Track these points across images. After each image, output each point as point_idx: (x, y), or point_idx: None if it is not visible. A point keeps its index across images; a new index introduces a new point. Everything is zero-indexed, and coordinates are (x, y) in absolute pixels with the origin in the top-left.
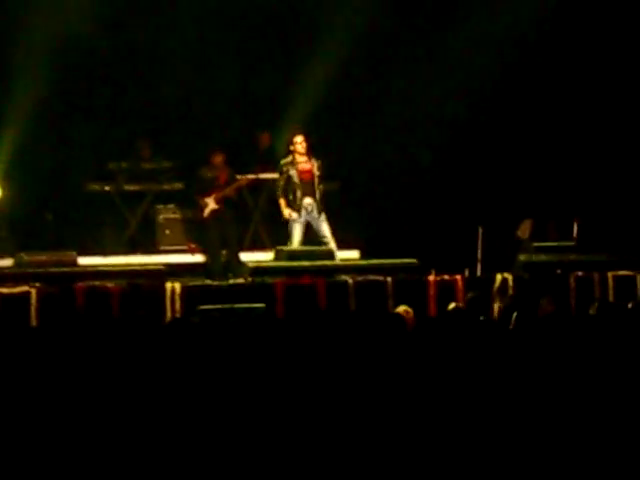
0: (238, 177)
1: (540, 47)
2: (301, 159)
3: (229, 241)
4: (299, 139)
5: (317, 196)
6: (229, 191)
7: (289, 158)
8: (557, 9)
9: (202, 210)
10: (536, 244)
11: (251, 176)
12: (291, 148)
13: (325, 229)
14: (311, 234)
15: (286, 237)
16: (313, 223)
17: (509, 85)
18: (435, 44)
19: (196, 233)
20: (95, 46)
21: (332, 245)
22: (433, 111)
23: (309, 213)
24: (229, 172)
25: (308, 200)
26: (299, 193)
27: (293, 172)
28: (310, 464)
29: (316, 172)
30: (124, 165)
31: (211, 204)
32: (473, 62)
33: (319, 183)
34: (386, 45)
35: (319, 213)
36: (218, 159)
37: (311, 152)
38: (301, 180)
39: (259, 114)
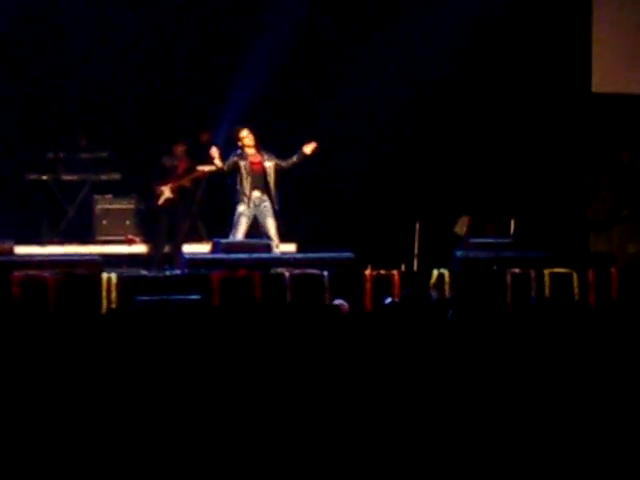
0: (197, 168)
1: (481, 47)
2: (250, 151)
3: (176, 232)
4: (244, 132)
5: (272, 192)
6: (185, 181)
7: (238, 152)
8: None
9: (157, 198)
10: (473, 240)
11: (208, 168)
12: (239, 144)
13: (271, 226)
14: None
15: (223, 230)
16: (259, 218)
17: (448, 82)
18: (377, 41)
19: (144, 222)
20: (33, 33)
21: (275, 243)
22: (371, 106)
23: (256, 206)
24: (189, 163)
25: (257, 193)
26: (247, 185)
27: (242, 163)
28: (245, 456)
29: (270, 167)
30: (62, 155)
31: (166, 192)
32: (413, 58)
33: (275, 181)
34: (326, 43)
35: (270, 208)
36: (180, 149)
37: (260, 146)
38: (251, 172)
39: (200, 108)
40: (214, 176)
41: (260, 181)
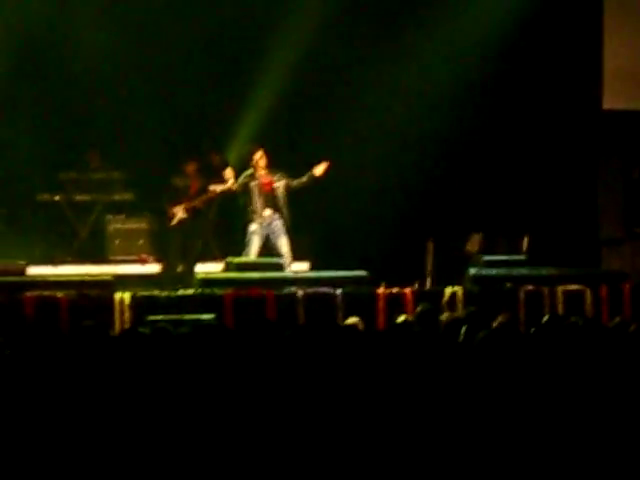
0: (210, 188)
1: (493, 66)
2: (262, 172)
3: (189, 253)
4: (259, 154)
5: (283, 211)
6: (198, 202)
7: (249, 171)
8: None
9: (170, 219)
10: (486, 258)
11: (220, 188)
12: (252, 164)
13: (283, 245)
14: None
15: (236, 249)
16: (272, 237)
17: (461, 100)
18: (387, 67)
19: (157, 241)
20: (45, 54)
21: (287, 262)
22: (385, 126)
23: (268, 225)
24: (201, 182)
25: (268, 212)
26: (259, 204)
27: (253, 184)
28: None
29: (280, 188)
30: (74, 175)
31: (179, 213)
32: (426, 77)
33: (285, 200)
34: (336, 66)
35: (282, 226)
36: (191, 168)
37: (270, 166)
38: (262, 192)
39: (211, 128)
40: (226, 196)
41: (271, 200)
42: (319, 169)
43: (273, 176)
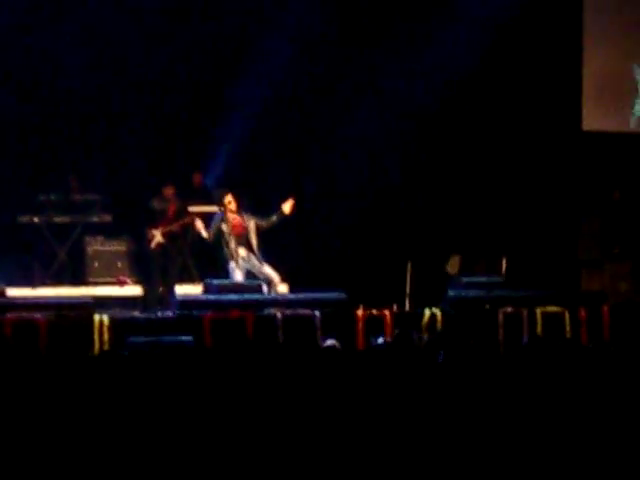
0: (189, 211)
1: (471, 85)
2: (232, 216)
3: (168, 274)
4: (229, 198)
5: (254, 248)
6: (175, 227)
7: (220, 215)
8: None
9: (149, 241)
10: (465, 279)
11: (199, 211)
12: (221, 210)
13: (267, 270)
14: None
15: (215, 271)
16: (254, 270)
17: (438, 119)
18: (369, 76)
19: (136, 264)
20: (25, 76)
21: (276, 281)
22: (361, 145)
23: (246, 262)
24: (179, 205)
25: (242, 252)
26: (233, 244)
27: (225, 227)
28: None
29: (251, 227)
30: (53, 197)
31: (157, 236)
32: (401, 92)
33: (257, 237)
34: (316, 83)
35: (258, 261)
36: (169, 191)
37: (241, 209)
38: (233, 233)
39: (191, 150)
40: (205, 219)
41: (244, 240)
42: (287, 207)
43: (243, 217)
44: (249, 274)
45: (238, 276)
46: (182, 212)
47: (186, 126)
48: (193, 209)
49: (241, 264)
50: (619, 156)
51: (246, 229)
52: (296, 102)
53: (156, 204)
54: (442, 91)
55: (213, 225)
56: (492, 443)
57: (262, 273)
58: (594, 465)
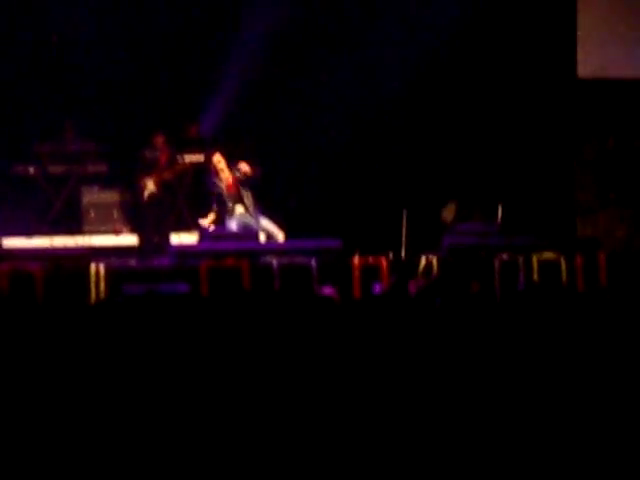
0: (179, 160)
1: (466, 35)
2: (224, 175)
3: (162, 224)
4: (217, 158)
5: (246, 201)
6: (168, 174)
7: (214, 180)
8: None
9: (142, 191)
10: (460, 227)
11: (190, 161)
12: (213, 170)
13: (266, 225)
14: None
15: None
16: (253, 224)
17: (435, 69)
18: (358, 27)
19: (131, 214)
20: (21, 23)
21: (276, 232)
22: (356, 94)
23: (245, 218)
24: (170, 153)
25: (240, 208)
26: (230, 204)
27: (221, 188)
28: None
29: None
30: (48, 147)
31: (150, 186)
32: (401, 44)
33: (246, 189)
34: (307, 31)
35: (255, 216)
36: (159, 140)
37: (229, 163)
38: (229, 194)
39: (185, 100)
40: (198, 167)
41: (238, 197)
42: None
43: (233, 172)
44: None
45: (234, 226)
46: (174, 160)
47: (183, 74)
48: (190, 158)
49: (240, 220)
50: (614, 103)
51: (239, 186)
52: (291, 47)
53: (147, 153)
54: (439, 37)
55: (216, 191)
56: (488, 387)
57: (262, 227)
58: (589, 411)
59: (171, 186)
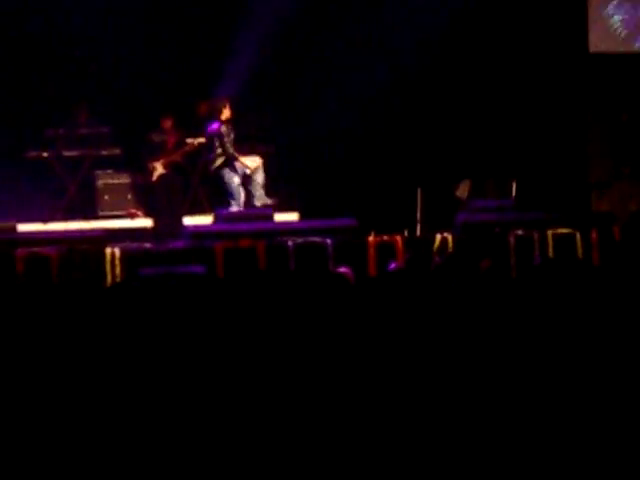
0: (187, 142)
1: (479, 9)
2: (230, 126)
3: (175, 206)
4: (227, 105)
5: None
6: (176, 156)
7: (222, 128)
8: None
9: (151, 174)
10: (475, 204)
11: (199, 141)
12: (223, 118)
13: (259, 180)
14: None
15: (226, 200)
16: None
17: (448, 43)
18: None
19: (143, 197)
20: (31, 8)
21: (260, 194)
22: (370, 72)
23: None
24: (178, 136)
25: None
26: (231, 149)
27: (230, 136)
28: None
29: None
30: (62, 131)
31: (159, 169)
32: (412, 16)
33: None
34: (317, 14)
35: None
36: (167, 123)
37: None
38: (233, 143)
39: (195, 82)
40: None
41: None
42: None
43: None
44: (244, 177)
45: (241, 192)
46: (182, 142)
47: (194, 53)
48: (200, 140)
49: (241, 175)
50: (627, 78)
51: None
52: (303, 25)
53: (154, 136)
54: (452, 14)
55: (224, 141)
56: (505, 364)
57: (253, 180)
58: (603, 383)
59: (181, 168)
